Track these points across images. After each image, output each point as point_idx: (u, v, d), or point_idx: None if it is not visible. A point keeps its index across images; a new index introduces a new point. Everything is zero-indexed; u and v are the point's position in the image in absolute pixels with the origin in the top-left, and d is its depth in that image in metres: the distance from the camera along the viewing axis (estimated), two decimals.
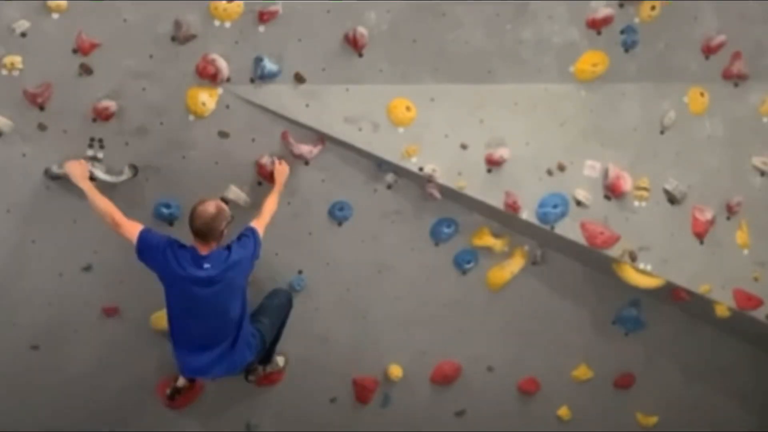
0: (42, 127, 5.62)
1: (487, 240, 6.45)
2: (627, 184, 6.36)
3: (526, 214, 6.27)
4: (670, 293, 6.68)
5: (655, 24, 6.23)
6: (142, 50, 5.57)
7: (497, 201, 6.22)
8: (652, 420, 7.34)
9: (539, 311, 6.74)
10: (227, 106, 5.78)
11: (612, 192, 6.37)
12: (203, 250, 5.40)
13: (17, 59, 5.44)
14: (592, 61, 6.25)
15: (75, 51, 5.49)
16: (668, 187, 6.51)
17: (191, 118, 5.77)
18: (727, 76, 6.54)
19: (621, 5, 6.15)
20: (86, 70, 5.54)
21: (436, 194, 6.13)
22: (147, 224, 5.87)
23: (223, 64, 5.67)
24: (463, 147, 6.14)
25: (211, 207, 5.34)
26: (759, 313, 6.78)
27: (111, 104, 5.63)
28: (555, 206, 6.28)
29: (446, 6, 5.91)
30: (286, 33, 5.74)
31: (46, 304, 6.05)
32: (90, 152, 5.72)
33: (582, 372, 7.05)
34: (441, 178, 6.10)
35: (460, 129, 6.13)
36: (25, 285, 5.95)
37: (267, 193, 5.80)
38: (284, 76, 5.81)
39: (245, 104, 5.80)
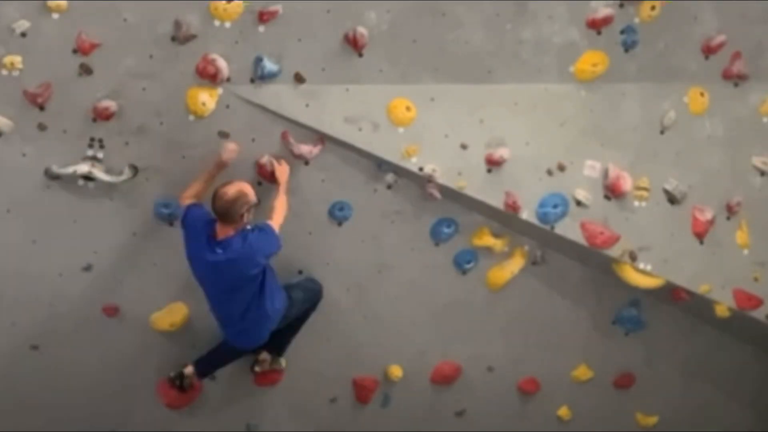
0: (42, 127, 5.63)
1: (487, 240, 6.45)
2: (627, 184, 6.36)
3: (526, 214, 6.27)
4: (670, 293, 6.68)
5: (655, 24, 6.23)
6: (142, 50, 5.57)
7: (497, 201, 6.22)
8: (652, 420, 7.33)
9: (539, 311, 6.74)
10: (227, 106, 5.78)
11: (612, 192, 6.37)
12: (221, 233, 5.47)
13: (17, 59, 5.44)
14: (592, 61, 6.25)
15: (75, 51, 5.49)
16: (668, 187, 6.51)
17: (191, 118, 5.77)
18: (727, 76, 6.54)
19: (621, 5, 6.15)
20: (86, 70, 5.54)
21: (436, 194, 6.13)
22: (147, 224, 5.92)
23: (223, 64, 5.67)
24: (463, 147, 6.14)
25: (231, 190, 5.41)
26: (759, 313, 6.78)
27: (111, 104, 5.63)
28: (555, 206, 6.28)
29: (446, 6, 5.91)
30: (286, 33, 5.74)
31: (46, 304, 6.05)
32: (90, 152, 5.72)
33: (582, 372, 7.05)
34: (441, 178, 6.10)
35: (460, 129, 6.13)
36: (25, 285, 5.96)
37: (267, 193, 5.80)
38: (284, 76, 5.81)
39: (245, 104, 5.80)
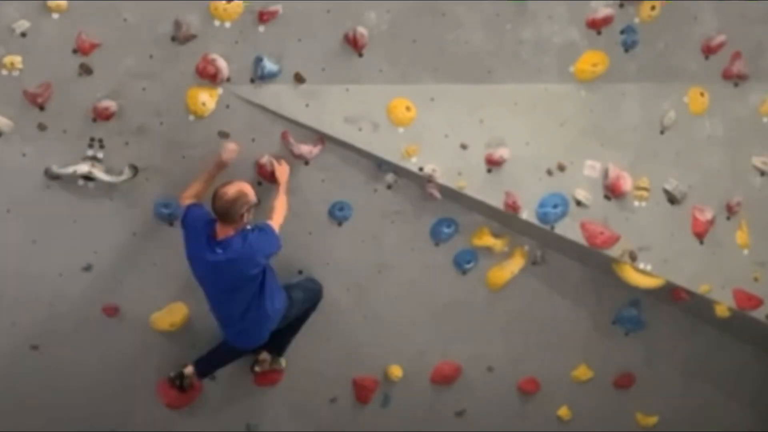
0: (42, 127, 5.63)
1: (487, 240, 6.44)
2: (627, 184, 6.36)
3: (526, 214, 6.27)
4: (670, 293, 6.68)
5: (655, 24, 6.23)
6: (142, 50, 5.58)
7: (497, 201, 6.22)
8: (652, 420, 7.33)
9: (539, 311, 6.74)
10: (227, 106, 5.78)
11: (612, 192, 6.37)
12: (221, 233, 5.47)
13: (17, 59, 5.44)
14: (592, 61, 6.24)
15: (75, 51, 5.49)
16: (668, 187, 6.51)
17: (191, 118, 5.77)
18: (727, 76, 6.54)
19: (621, 5, 6.15)
20: (86, 70, 5.54)
21: (436, 194, 6.13)
22: (147, 224, 5.91)
23: (223, 64, 5.67)
24: (463, 147, 6.14)
25: (231, 190, 5.42)
26: (759, 313, 6.78)
27: (111, 104, 5.63)
28: (555, 206, 6.28)
29: (446, 6, 5.91)
30: (286, 33, 5.74)
31: (46, 304, 6.05)
32: (90, 152, 5.72)
33: (582, 372, 7.05)
34: (441, 178, 6.10)
35: (460, 129, 6.13)
36: (25, 285, 5.96)
37: (267, 193, 5.81)
38: (284, 76, 5.81)
39: (245, 104, 5.80)
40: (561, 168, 6.30)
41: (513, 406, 7.07)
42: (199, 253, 5.53)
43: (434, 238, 6.39)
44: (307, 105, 5.88)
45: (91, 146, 5.71)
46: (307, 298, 6.13)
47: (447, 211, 6.30)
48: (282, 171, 5.83)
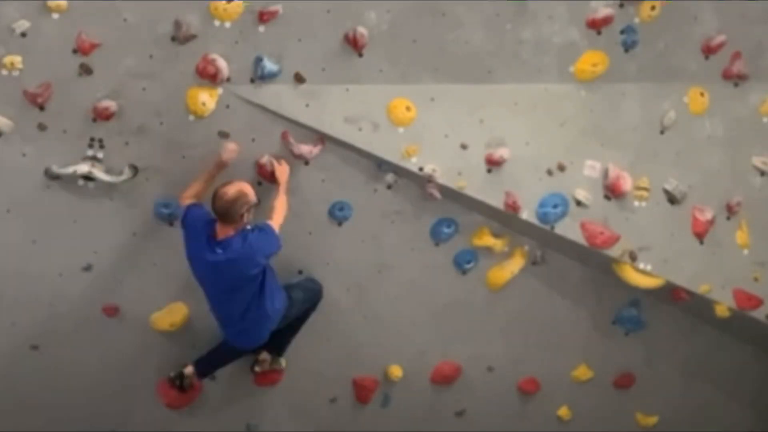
0: (42, 127, 5.63)
1: (487, 240, 6.44)
2: (627, 184, 6.36)
3: (526, 214, 6.27)
4: (670, 293, 6.68)
5: (655, 24, 6.23)
6: (142, 50, 5.58)
7: (497, 201, 6.22)
8: (652, 420, 7.33)
9: (539, 311, 6.74)
10: (227, 106, 5.78)
11: (612, 192, 6.37)
12: (221, 233, 5.47)
13: (17, 59, 5.44)
14: (592, 61, 6.24)
15: (75, 51, 5.49)
16: (668, 187, 6.51)
17: (191, 118, 5.77)
18: (727, 76, 6.54)
19: (621, 5, 6.15)
20: (86, 70, 5.54)
21: (436, 194, 6.13)
22: (147, 224, 5.91)
23: (223, 64, 5.67)
24: (463, 147, 6.14)
25: (231, 190, 5.42)
26: (759, 313, 6.78)
27: (111, 104, 5.63)
28: (555, 206, 6.28)
29: (446, 6, 5.91)
30: (286, 33, 5.74)
31: (46, 304, 6.05)
32: (90, 152, 5.72)
33: (582, 372, 7.05)
34: (441, 178, 6.10)
35: (460, 129, 6.13)
36: (25, 285, 5.96)
37: (267, 193, 5.80)
38: (284, 76, 5.81)
39: (245, 104, 5.80)
40: (561, 168, 6.30)
41: (513, 406, 7.07)
42: (199, 253, 5.53)
43: (434, 238, 6.39)
44: (307, 105, 5.88)
45: (91, 146, 5.71)
46: (307, 298, 6.13)
47: (447, 211, 6.30)
48: (282, 171, 5.83)
